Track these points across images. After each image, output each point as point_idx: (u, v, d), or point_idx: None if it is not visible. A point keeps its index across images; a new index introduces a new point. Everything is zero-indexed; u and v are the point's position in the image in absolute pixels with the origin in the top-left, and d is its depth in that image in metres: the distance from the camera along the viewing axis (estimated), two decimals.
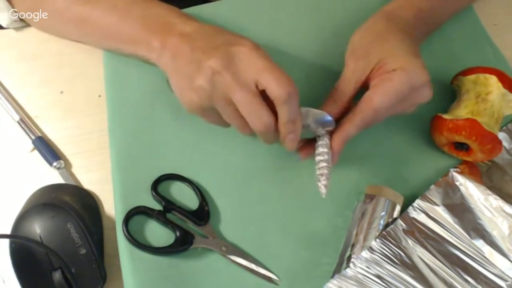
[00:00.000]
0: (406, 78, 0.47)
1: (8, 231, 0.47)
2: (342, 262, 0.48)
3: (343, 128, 0.49)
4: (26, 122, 0.55)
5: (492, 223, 0.50)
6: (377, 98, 0.47)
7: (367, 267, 0.46)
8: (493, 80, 0.52)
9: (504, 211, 0.50)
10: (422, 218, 0.49)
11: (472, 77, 0.53)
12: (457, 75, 0.55)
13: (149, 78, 0.55)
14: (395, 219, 0.49)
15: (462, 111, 0.52)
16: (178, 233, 0.48)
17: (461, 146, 0.52)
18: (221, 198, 0.51)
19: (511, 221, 0.49)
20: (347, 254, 0.48)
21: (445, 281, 0.47)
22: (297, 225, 0.50)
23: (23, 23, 0.60)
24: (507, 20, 0.64)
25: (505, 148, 0.55)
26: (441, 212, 0.50)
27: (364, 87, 0.50)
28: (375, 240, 0.47)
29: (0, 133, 0.56)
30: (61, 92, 0.58)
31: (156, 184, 0.51)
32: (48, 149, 0.54)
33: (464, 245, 0.49)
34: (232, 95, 0.44)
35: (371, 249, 0.47)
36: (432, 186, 0.51)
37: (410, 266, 0.47)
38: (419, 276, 0.47)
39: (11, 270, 0.46)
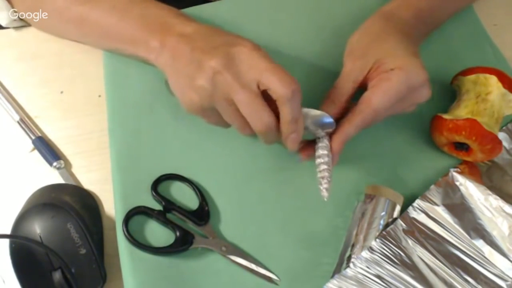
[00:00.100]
0: (404, 78, 0.47)
1: (8, 231, 0.47)
2: (342, 262, 0.48)
3: (342, 128, 0.49)
4: (26, 122, 0.55)
5: (492, 223, 0.50)
6: (376, 98, 0.48)
7: (367, 267, 0.46)
8: (493, 80, 0.52)
9: (504, 211, 0.50)
10: (422, 218, 0.50)
11: (472, 77, 0.53)
12: (457, 75, 0.55)
13: (149, 78, 0.55)
14: (395, 219, 0.49)
15: (462, 111, 0.52)
16: (178, 233, 0.48)
17: (461, 146, 0.52)
18: (221, 198, 0.51)
19: (511, 221, 0.49)
20: (347, 254, 0.48)
21: (445, 281, 0.47)
22: (297, 225, 0.50)
23: (23, 23, 0.60)
24: (507, 20, 0.64)
25: (505, 148, 0.55)
26: (441, 212, 0.50)
27: (362, 88, 0.50)
28: (375, 240, 0.47)
29: (0, 133, 0.56)
30: (61, 92, 0.58)
31: (156, 184, 0.51)
32: (48, 149, 0.54)
33: (464, 245, 0.49)
34: (233, 95, 0.44)
35: (371, 249, 0.47)
36: (432, 186, 0.51)
37: (410, 266, 0.47)
38: (419, 276, 0.47)
39: (11, 270, 0.46)
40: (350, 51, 0.52)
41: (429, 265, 0.48)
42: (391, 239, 0.48)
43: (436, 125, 0.52)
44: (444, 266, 0.48)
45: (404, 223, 0.49)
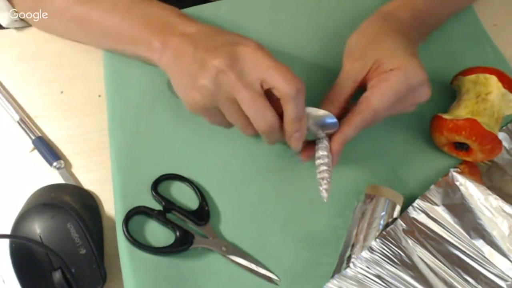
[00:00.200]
0: (403, 78, 0.47)
1: (8, 231, 0.47)
2: (342, 262, 0.48)
3: (342, 129, 0.49)
4: (26, 122, 0.55)
5: (492, 223, 0.49)
6: (375, 99, 0.48)
7: (367, 267, 0.46)
8: (493, 80, 0.52)
9: (504, 211, 0.50)
10: (422, 218, 0.49)
11: (472, 77, 0.53)
12: (457, 75, 0.55)
13: (150, 78, 0.55)
14: (395, 219, 0.49)
15: (462, 111, 0.52)
16: (178, 233, 0.48)
17: (461, 146, 0.52)
18: (221, 198, 0.51)
19: (511, 221, 0.49)
20: (347, 254, 0.48)
21: (445, 281, 0.47)
22: (297, 225, 0.50)
23: (23, 23, 0.60)
24: (507, 20, 0.64)
25: (505, 148, 0.55)
26: (441, 212, 0.50)
27: (361, 88, 0.50)
28: (375, 240, 0.47)
29: (0, 133, 0.56)
30: (61, 92, 0.58)
31: (156, 184, 0.51)
32: (48, 149, 0.54)
33: (464, 245, 0.49)
34: (236, 95, 0.44)
35: (371, 249, 0.47)
36: (432, 186, 0.51)
37: (410, 266, 0.47)
38: (419, 276, 0.47)
39: (11, 270, 0.46)
40: (349, 52, 0.52)
41: (429, 265, 0.48)
42: (391, 239, 0.48)
43: (436, 125, 0.52)
44: (444, 266, 0.48)
45: (404, 223, 0.49)
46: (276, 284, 0.48)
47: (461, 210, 0.50)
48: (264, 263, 0.48)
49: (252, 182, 0.52)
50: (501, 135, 0.55)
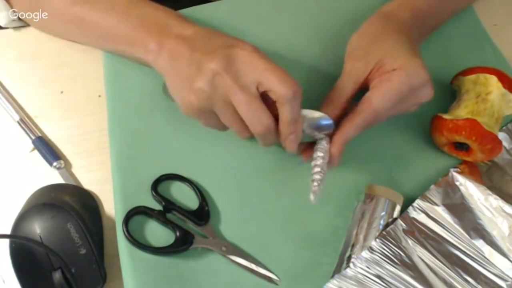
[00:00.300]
0: (405, 78, 0.47)
1: (8, 231, 0.47)
2: (342, 262, 0.48)
3: (343, 129, 0.49)
4: (26, 122, 0.55)
5: (492, 223, 0.50)
6: (376, 99, 0.48)
7: (367, 267, 0.46)
8: (493, 80, 0.52)
9: (504, 211, 0.50)
10: (422, 218, 0.49)
11: (472, 77, 0.53)
12: (457, 75, 0.55)
13: (150, 78, 0.55)
14: (395, 219, 0.49)
15: (462, 111, 0.52)
16: (178, 233, 0.48)
17: (461, 146, 0.52)
18: (221, 198, 0.51)
19: (511, 221, 0.49)
20: (347, 254, 0.48)
21: (445, 281, 0.47)
22: (297, 225, 0.50)
23: (22, 23, 0.60)
24: (507, 20, 0.64)
25: (505, 148, 0.55)
26: (441, 212, 0.50)
27: (364, 89, 0.50)
28: (375, 240, 0.47)
29: (0, 133, 0.56)
30: (61, 92, 0.58)
31: (156, 184, 0.51)
32: (48, 149, 0.54)
33: (464, 245, 0.49)
34: (232, 97, 0.44)
35: (371, 249, 0.47)
36: (432, 186, 0.51)
37: (410, 266, 0.47)
38: (419, 276, 0.47)
39: (11, 270, 0.46)
40: (350, 52, 0.52)
41: (429, 265, 0.48)
42: (391, 239, 0.48)
43: (436, 125, 0.52)
44: (444, 266, 0.48)
45: (404, 223, 0.49)
46: (276, 284, 0.48)
47: (461, 210, 0.50)
48: (264, 263, 0.48)
49: (252, 182, 0.52)
50: (501, 135, 0.55)
